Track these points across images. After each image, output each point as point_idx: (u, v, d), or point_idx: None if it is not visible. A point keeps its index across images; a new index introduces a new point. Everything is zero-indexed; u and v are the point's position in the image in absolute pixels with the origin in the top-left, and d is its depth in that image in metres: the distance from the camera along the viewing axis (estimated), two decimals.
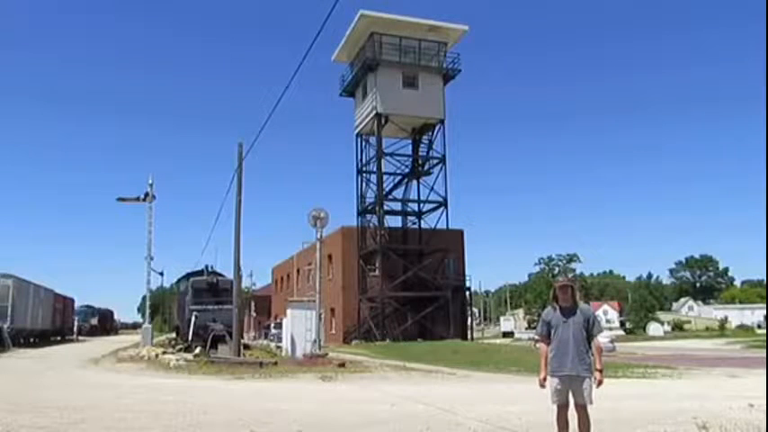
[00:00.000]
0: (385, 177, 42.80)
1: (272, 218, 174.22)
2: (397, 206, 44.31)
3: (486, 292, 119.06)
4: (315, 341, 20.05)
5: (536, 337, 6.62)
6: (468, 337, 42.88)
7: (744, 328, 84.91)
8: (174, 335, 33.74)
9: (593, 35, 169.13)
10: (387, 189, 43.25)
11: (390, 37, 41.46)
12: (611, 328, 70.33)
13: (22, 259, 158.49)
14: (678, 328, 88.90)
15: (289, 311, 22.27)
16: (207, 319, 24.37)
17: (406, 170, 43.72)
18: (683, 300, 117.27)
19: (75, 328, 44.67)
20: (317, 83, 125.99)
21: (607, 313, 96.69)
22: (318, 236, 21.11)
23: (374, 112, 41.10)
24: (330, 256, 42.45)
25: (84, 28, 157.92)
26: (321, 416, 8.76)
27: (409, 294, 40.01)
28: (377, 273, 40.99)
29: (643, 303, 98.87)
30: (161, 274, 34.13)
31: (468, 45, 63.47)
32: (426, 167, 43.32)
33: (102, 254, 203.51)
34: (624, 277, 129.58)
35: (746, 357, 28.71)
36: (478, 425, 7.73)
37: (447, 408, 9.38)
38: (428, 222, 43.23)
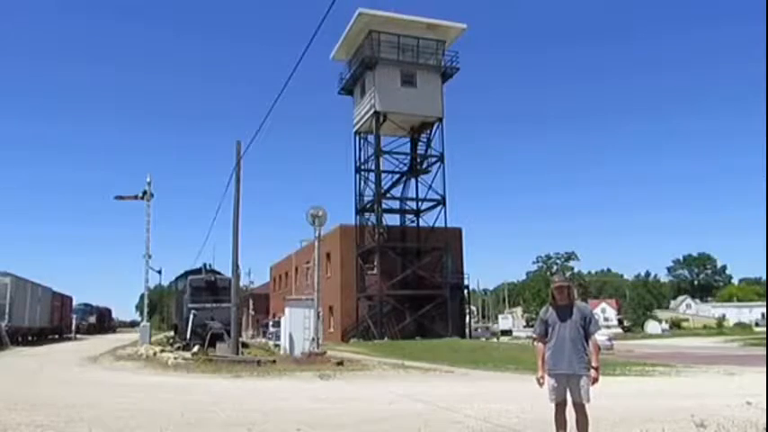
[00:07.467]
0: (383, 175, 42.80)
1: (270, 216, 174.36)
2: (396, 204, 44.30)
3: (485, 291, 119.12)
4: (313, 339, 20.04)
5: (533, 335, 6.62)
6: (467, 335, 42.91)
7: (741, 326, 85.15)
8: (172, 333, 33.71)
9: (592, 34, 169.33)
10: (385, 187, 43.22)
11: (388, 35, 41.37)
12: (609, 327, 70.43)
13: (20, 258, 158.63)
14: (676, 326, 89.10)
15: (287, 310, 22.28)
16: (205, 318, 24.33)
17: (405, 168, 43.69)
18: (680, 298, 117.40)
19: (73, 327, 44.62)
20: (316, 81, 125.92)
21: (605, 311, 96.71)
22: (317, 234, 21.09)
23: (372, 110, 41.03)
24: (328, 255, 42.41)
25: (84, 28, 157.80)
26: (319, 414, 8.75)
27: (407, 292, 39.99)
28: (375, 271, 40.95)
29: (641, 301, 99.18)
30: (159, 272, 34.34)
31: (467, 44, 63.60)
32: (425, 166, 43.24)
33: (101, 252, 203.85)
34: (622, 275, 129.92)
35: (744, 355, 28.81)
36: (477, 423, 7.73)
37: (445, 406, 9.38)
38: (426, 221, 43.24)
